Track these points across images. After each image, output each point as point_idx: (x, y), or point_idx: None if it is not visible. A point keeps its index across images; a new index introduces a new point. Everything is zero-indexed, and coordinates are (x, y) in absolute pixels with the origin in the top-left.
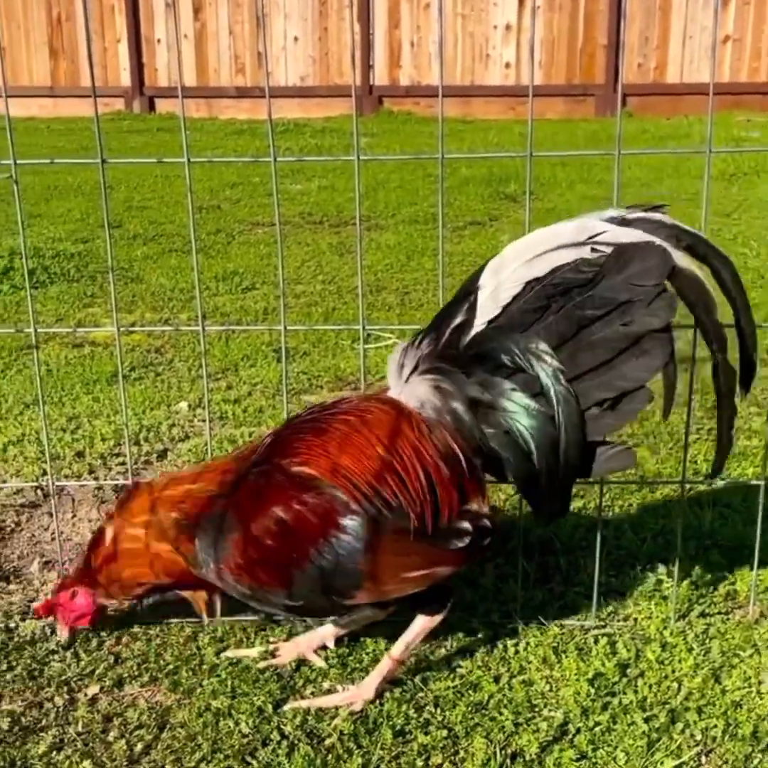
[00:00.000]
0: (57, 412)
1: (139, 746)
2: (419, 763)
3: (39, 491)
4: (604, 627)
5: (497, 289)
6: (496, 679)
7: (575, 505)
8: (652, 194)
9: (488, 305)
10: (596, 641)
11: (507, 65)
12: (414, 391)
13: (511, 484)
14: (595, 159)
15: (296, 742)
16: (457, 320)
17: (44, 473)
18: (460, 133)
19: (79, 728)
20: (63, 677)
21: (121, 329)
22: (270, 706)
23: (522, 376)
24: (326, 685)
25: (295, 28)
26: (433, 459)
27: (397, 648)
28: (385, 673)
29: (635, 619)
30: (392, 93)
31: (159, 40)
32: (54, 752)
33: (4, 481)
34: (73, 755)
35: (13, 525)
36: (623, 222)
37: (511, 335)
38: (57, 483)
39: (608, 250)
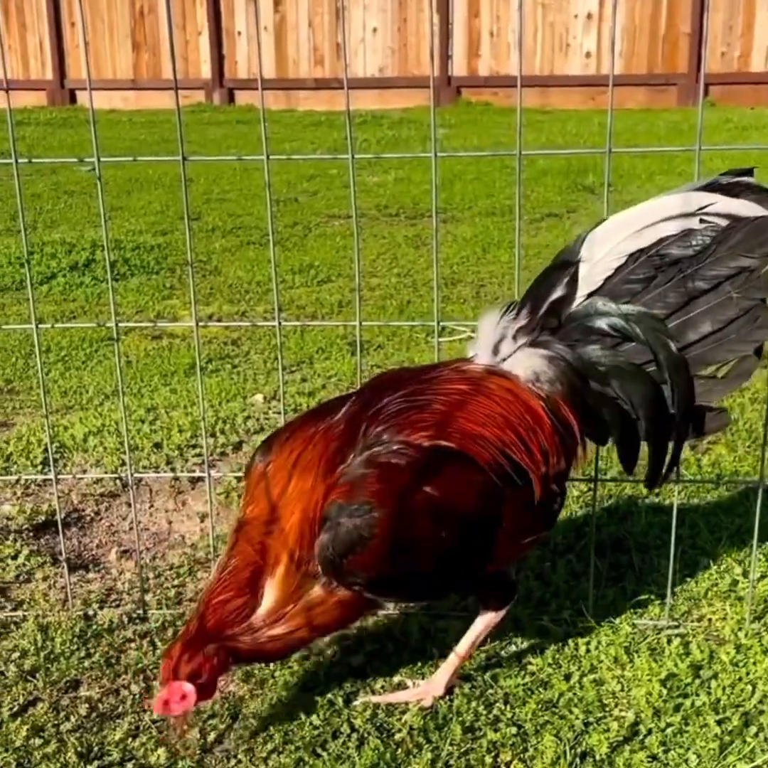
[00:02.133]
0: (136, 403)
1: (212, 735)
2: (488, 759)
3: (118, 481)
4: (677, 627)
5: (600, 261)
6: (567, 678)
7: (650, 501)
8: None
9: (590, 277)
10: (669, 641)
11: (587, 55)
12: (525, 362)
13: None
14: (675, 147)
15: (366, 735)
16: (558, 292)
17: (123, 464)
18: (538, 124)
19: (155, 716)
20: (139, 665)
21: (199, 324)
22: (340, 700)
23: (631, 345)
24: (397, 679)
25: (374, 19)
26: (550, 428)
27: (463, 644)
28: (453, 669)
29: (709, 620)
30: (470, 83)
31: (239, 33)
32: (129, 739)
33: (85, 471)
34: (148, 743)
35: (92, 514)
36: (728, 191)
37: (618, 305)
38: (135, 474)
39: (717, 220)
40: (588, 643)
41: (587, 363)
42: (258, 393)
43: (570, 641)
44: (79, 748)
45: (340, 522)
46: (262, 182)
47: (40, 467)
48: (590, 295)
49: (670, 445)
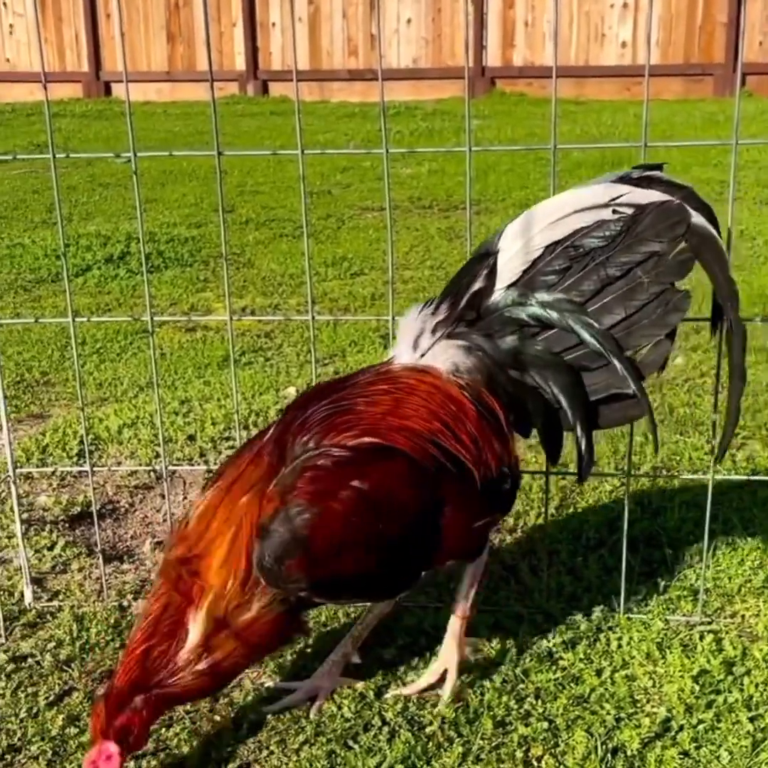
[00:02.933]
0: (170, 395)
1: (245, 726)
2: (519, 754)
3: (152, 473)
4: (710, 623)
5: (517, 253)
6: (598, 673)
7: (683, 498)
8: None
9: (508, 269)
10: (702, 638)
11: (623, 44)
12: (443, 355)
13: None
14: (711, 140)
15: (397, 728)
16: (477, 285)
17: (157, 456)
18: (572, 115)
19: (188, 706)
20: None
21: (233, 318)
22: (372, 692)
23: (549, 334)
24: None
25: (409, 10)
26: (475, 414)
27: (460, 605)
28: (459, 633)
29: (743, 616)
30: (505, 74)
31: (273, 24)
32: (163, 729)
33: (119, 463)
34: (181, 733)
35: (126, 506)
36: (638, 184)
37: (535, 294)
38: (169, 466)
39: (628, 210)
40: (620, 639)
41: (506, 353)
42: (291, 386)
43: (601, 637)
44: None
45: (272, 528)
46: (295, 174)
47: (75, 459)
48: (509, 287)
49: (593, 433)
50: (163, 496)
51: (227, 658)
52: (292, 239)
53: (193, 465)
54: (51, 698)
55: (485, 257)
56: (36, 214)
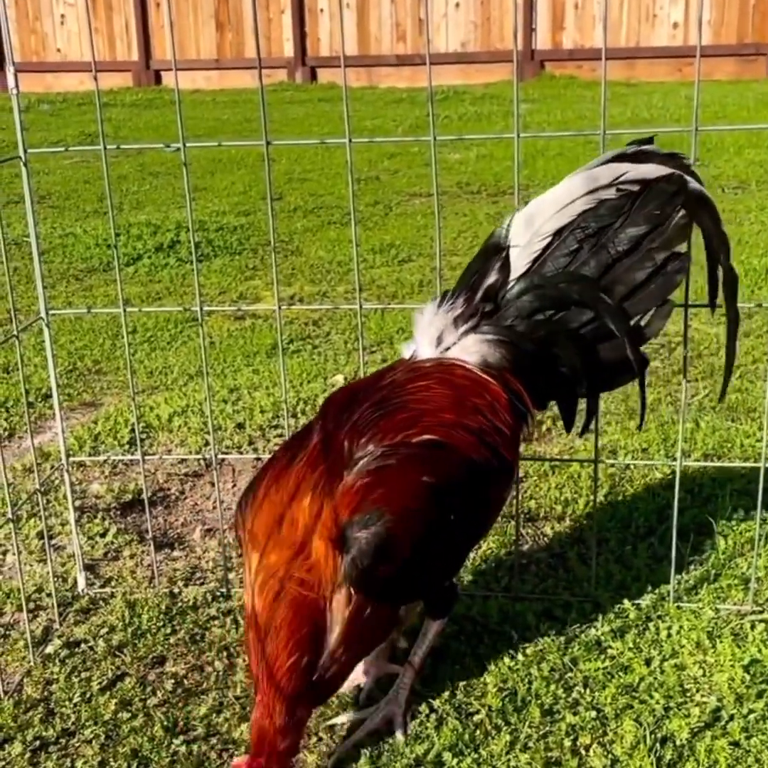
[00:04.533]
0: (219, 384)
1: None
2: (567, 743)
3: (202, 461)
4: (761, 613)
5: (528, 243)
6: (647, 662)
7: (734, 486)
8: None
9: (520, 259)
10: (753, 627)
11: (675, 25)
12: (472, 348)
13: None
14: (766, 121)
15: (445, 716)
16: (492, 277)
17: (206, 444)
18: (623, 98)
19: (238, 692)
20: (223, 643)
21: (282, 307)
22: (419, 680)
23: (564, 314)
24: (467, 661)
25: None
26: (507, 405)
27: (418, 659)
28: (410, 683)
29: None
30: (554, 57)
31: (322, 10)
32: (214, 715)
33: (170, 452)
34: (232, 718)
35: (177, 493)
36: (635, 159)
37: (548, 278)
38: (219, 455)
39: (630, 187)
40: (669, 628)
41: (528, 339)
42: (339, 373)
43: (651, 625)
44: (165, 723)
45: (358, 536)
46: (343, 161)
47: (127, 447)
48: (522, 275)
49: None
50: (212, 484)
51: (355, 651)
52: (340, 226)
53: (242, 453)
54: (104, 683)
55: (497, 248)
56: (88, 204)
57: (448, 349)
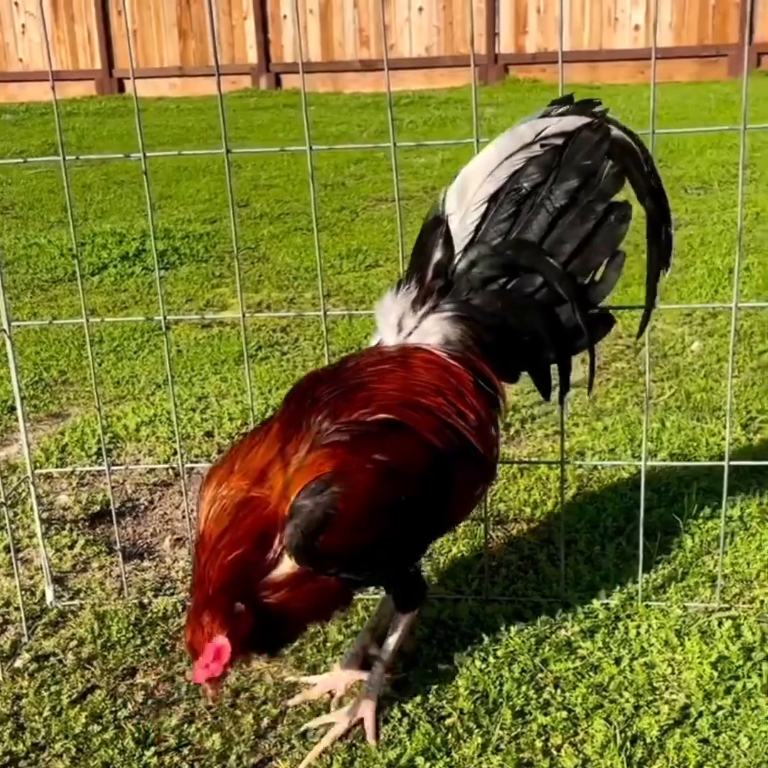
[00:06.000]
0: (187, 392)
1: (266, 720)
2: (539, 743)
3: (170, 470)
4: (728, 609)
5: (466, 213)
6: (617, 661)
7: (700, 484)
8: None
9: (461, 230)
10: (720, 624)
11: (636, 28)
12: (432, 330)
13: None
14: (727, 123)
15: (417, 720)
16: (437, 254)
17: (175, 453)
18: None
19: (209, 702)
20: None
21: (246, 315)
22: (391, 684)
23: (516, 280)
24: (443, 666)
25: None
26: (472, 386)
27: (388, 651)
28: (381, 679)
29: (761, 602)
30: (518, 61)
31: (284, 16)
32: (185, 725)
33: (138, 461)
34: (203, 728)
35: (146, 503)
36: (561, 113)
37: (493, 246)
38: (187, 464)
39: (555, 140)
40: (638, 627)
41: (485, 311)
42: None
43: (620, 625)
44: (136, 735)
45: (303, 505)
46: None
47: (94, 458)
48: (467, 247)
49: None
50: (181, 493)
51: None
52: (306, 232)
53: (211, 461)
54: (74, 696)
55: (436, 225)
56: (52, 214)
57: (410, 333)
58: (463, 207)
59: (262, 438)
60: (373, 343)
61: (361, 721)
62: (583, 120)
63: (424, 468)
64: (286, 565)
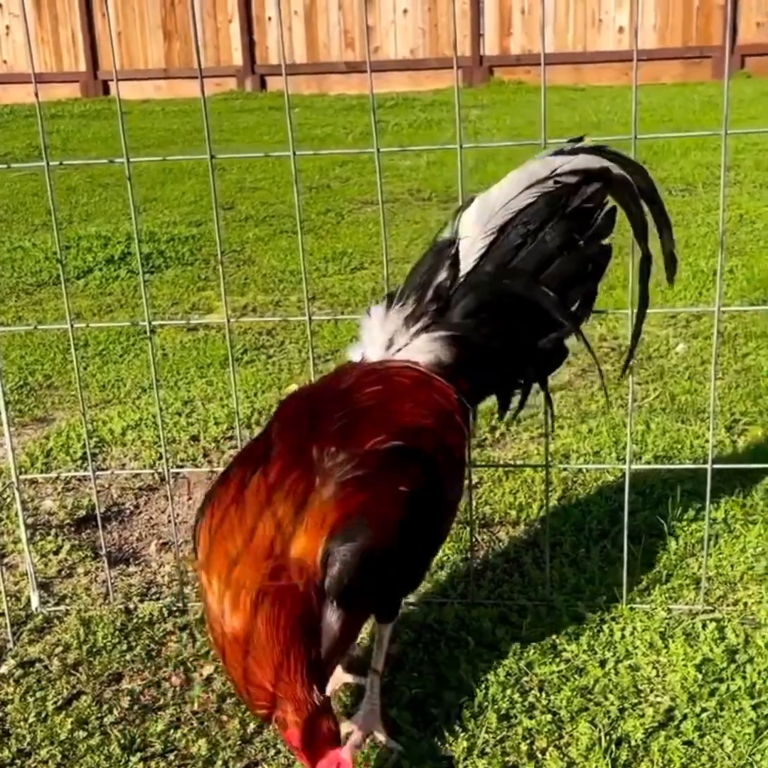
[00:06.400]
0: (172, 396)
1: (252, 725)
2: (524, 747)
3: (156, 475)
4: (712, 612)
5: (475, 240)
6: (602, 664)
7: (685, 486)
8: None
9: (468, 256)
10: (704, 626)
11: (620, 30)
12: (424, 348)
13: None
14: (711, 124)
15: (402, 723)
16: (441, 276)
17: (161, 457)
18: (571, 102)
19: (195, 707)
20: (180, 657)
21: (231, 319)
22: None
23: (511, 309)
24: (428, 670)
25: (405, 1)
26: (457, 405)
27: (379, 660)
28: (379, 688)
29: (745, 604)
30: (503, 62)
31: (270, 18)
32: (171, 730)
33: (123, 466)
34: (189, 734)
35: (131, 508)
36: (572, 153)
37: (496, 278)
38: (173, 469)
39: (567, 179)
40: (623, 629)
41: (477, 335)
42: (293, 383)
43: (605, 627)
44: (122, 741)
45: (340, 551)
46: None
47: (79, 462)
48: (470, 272)
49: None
50: (167, 498)
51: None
52: (292, 235)
53: (197, 466)
54: (59, 702)
55: (446, 247)
56: (36, 217)
57: (399, 350)
58: (476, 233)
59: (264, 474)
60: (355, 354)
61: (370, 733)
62: (596, 162)
63: (434, 490)
64: (333, 615)
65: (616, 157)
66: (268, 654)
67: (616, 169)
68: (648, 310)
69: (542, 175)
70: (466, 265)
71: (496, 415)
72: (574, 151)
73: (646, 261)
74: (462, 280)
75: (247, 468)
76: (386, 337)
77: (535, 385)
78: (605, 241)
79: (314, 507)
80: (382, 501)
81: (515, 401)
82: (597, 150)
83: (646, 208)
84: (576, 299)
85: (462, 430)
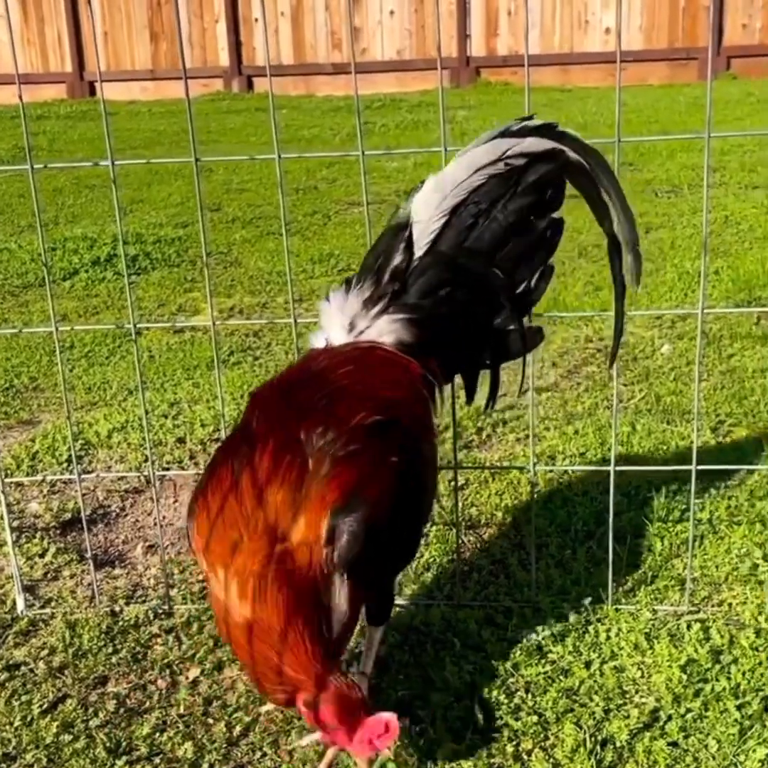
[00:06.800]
0: (159, 398)
1: (238, 728)
2: (510, 748)
3: (142, 477)
4: (697, 613)
5: (428, 221)
6: (587, 665)
7: (670, 487)
8: (754, 161)
9: (422, 238)
10: (689, 627)
11: (607, 31)
12: (386, 330)
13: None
14: (697, 126)
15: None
16: (397, 258)
17: (146, 460)
18: (558, 103)
19: (181, 710)
20: (165, 660)
21: (216, 322)
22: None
23: (467, 287)
24: (418, 672)
25: (391, 2)
26: (421, 380)
27: (368, 664)
28: (366, 689)
29: (730, 605)
30: (490, 63)
31: (256, 19)
32: (157, 734)
33: (109, 468)
34: (175, 737)
35: (117, 510)
36: (519, 134)
37: (451, 258)
38: (158, 471)
39: (516, 161)
40: (608, 631)
41: (435, 314)
42: None
43: (590, 628)
44: (107, 744)
45: (345, 523)
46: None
47: (65, 465)
48: (424, 254)
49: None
50: (153, 500)
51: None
52: (278, 237)
53: (183, 468)
54: (45, 706)
55: (401, 230)
56: (22, 219)
57: (361, 332)
58: (428, 215)
59: (253, 461)
60: (317, 340)
61: None
62: (545, 144)
63: (416, 462)
64: (341, 592)
65: (564, 136)
66: (282, 638)
67: (565, 150)
68: (637, 313)
69: (492, 157)
70: (420, 246)
71: (481, 413)
72: (521, 133)
73: (612, 244)
74: (417, 261)
75: (236, 458)
76: (347, 321)
77: (523, 386)
78: (556, 215)
79: (312, 487)
80: (376, 473)
81: (485, 391)
82: (545, 129)
83: (603, 190)
84: (532, 274)
85: (427, 400)
